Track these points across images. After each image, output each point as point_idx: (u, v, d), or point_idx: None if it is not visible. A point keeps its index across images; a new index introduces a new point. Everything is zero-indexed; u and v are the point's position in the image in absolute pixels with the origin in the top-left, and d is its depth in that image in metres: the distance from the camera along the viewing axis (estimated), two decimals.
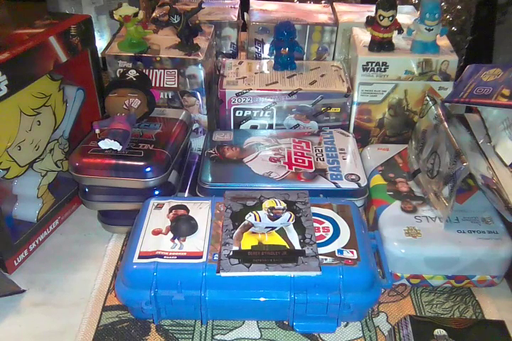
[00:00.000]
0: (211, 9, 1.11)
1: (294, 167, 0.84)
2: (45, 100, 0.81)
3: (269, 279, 0.64)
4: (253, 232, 0.69)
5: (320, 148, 0.89)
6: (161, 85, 0.93)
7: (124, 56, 0.91)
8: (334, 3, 1.14)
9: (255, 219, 0.70)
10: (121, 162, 0.77)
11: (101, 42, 1.22)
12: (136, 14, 0.89)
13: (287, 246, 0.66)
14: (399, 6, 0.89)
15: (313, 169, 0.84)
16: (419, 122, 0.87)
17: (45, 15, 0.83)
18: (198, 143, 0.97)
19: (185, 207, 0.73)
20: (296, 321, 0.68)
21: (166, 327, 0.70)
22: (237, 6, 1.15)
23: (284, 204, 0.72)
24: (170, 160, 0.80)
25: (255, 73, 0.98)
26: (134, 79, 0.83)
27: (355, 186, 0.81)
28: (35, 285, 0.77)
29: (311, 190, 0.77)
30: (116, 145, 0.75)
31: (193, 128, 0.95)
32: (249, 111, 0.95)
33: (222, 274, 0.64)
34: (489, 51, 1.60)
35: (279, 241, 0.67)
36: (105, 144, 0.75)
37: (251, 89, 0.93)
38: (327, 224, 0.71)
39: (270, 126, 0.96)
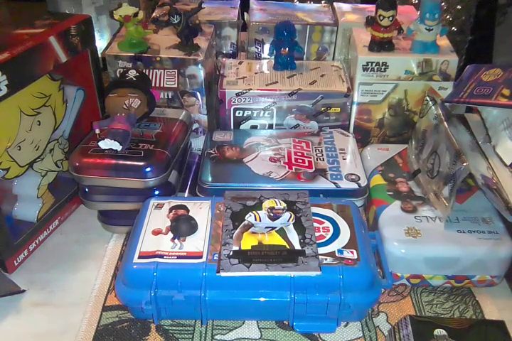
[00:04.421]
0: (211, 9, 1.11)
1: (294, 167, 0.84)
2: (45, 100, 0.81)
3: (269, 279, 0.64)
4: (253, 232, 0.69)
5: (320, 148, 0.89)
6: (161, 85, 0.92)
7: (124, 56, 0.91)
8: (334, 3, 1.14)
9: (255, 219, 0.70)
10: (121, 162, 0.77)
11: (101, 42, 1.22)
12: (136, 14, 0.89)
13: (287, 246, 0.66)
14: None
15: (313, 169, 0.84)
16: (419, 122, 0.87)
17: (45, 15, 0.83)
18: (198, 143, 0.97)
19: (185, 207, 0.73)
20: (296, 321, 0.68)
21: (166, 327, 0.70)
22: (237, 6, 1.15)
23: (284, 204, 0.72)
24: (170, 160, 0.80)
25: (255, 73, 0.98)
26: (134, 79, 0.83)
27: (355, 186, 0.81)
28: (35, 285, 0.77)
29: (311, 190, 0.77)
30: (116, 145, 0.75)
31: (193, 128, 0.95)
32: (249, 111, 0.95)
33: (222, 274, 0.64)
34: (489, 51, 1.60)
35: (279, 241, 0.67)
36: (105, 144, 0.75)
37: (251, 89, 0.92)
38: (327, 224, 0.71)
39: (270, 126, 0.96)
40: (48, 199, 0.85)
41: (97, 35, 1.13)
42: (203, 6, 0.93)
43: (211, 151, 0.89)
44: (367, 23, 0.92)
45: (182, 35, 0.91)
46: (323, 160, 0.86)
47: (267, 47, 1.07)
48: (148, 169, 0.77)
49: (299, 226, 0.69)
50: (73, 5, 1.21)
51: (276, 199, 0.73)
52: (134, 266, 0.65)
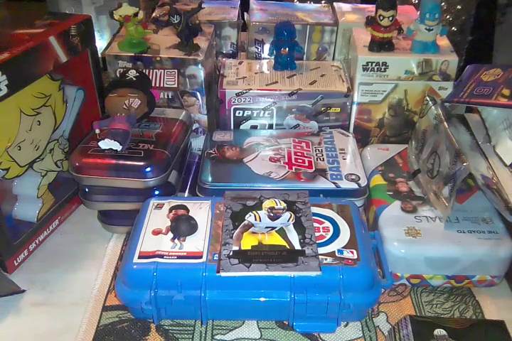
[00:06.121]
0: (211, 9, 1.11)
1: (294, 167, 0.84)
2: (45, 100, 0.81)
3: (269, 279, 0.64)
4: (253, 232, 0.69)
5: (320, 148, 0.89)
6: (161, 85, 0.92)
7: (124, 56, 0.91)
8: (334, 3, 1.14)
9: (255, 219, 0.70)
10: (121, 162, 0.77)
11: (101, 42, 1.22)
12: (136, 14, 0.89)
13: (287, 246, 0.66)
14: None
15: (313, 169, 0.84)
16: (419, 122, 0.87)
17: (45, 15, 0.83)
18: (198, 143, 0.97)
19: (185, 207, 0.73)
20: (296, 321, 0.68)
21: (166, 327, 0.70)
22: (237, 6, 1.15)
23: (284, 204, 0.72)
24: (170, 160, 0.80)
25: (255, 73, 0.98)
26: (134, 79, 0.83)
27: (355, 186, 0.81)
28: (35, 285, 0.77)
29: (311, 190, 0.77)
30: (116, 145, 0.75)
31: (193, 128, 0.95)
32: (249, 111, 0.95)
33: (222, 274, 0.64)
34: (489, 51, 1.60)
35: (279, 241, 0.67)
36: (105, 144, 0.75)
37: (251, 89, 0.93)
38: (327, 224, 0.71)
39: (270, 126, 0.96)
40: (48, 199, 0.85)
41: (97, 35, 1.13)
42: (203, 6, 0.93)
43: (211, 151, 0.89)
44: (367, 23, 0.92)
45: (182, 35, 0.91)
46: (323, 160, 0.86)
47: (267, 47, 1.07)
48: (148, 169, 0.77)
49: (299, 226, 0.69)
50: (73, 5, 1.21)
51: (276, 199, 0.73)
52: (134, 266, 0.65)
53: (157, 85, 0.92)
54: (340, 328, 0.70)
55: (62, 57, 0.79)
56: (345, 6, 1.13)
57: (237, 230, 0.69)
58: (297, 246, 0.66)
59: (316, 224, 0.70)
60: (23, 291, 0.75)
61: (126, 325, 0.70)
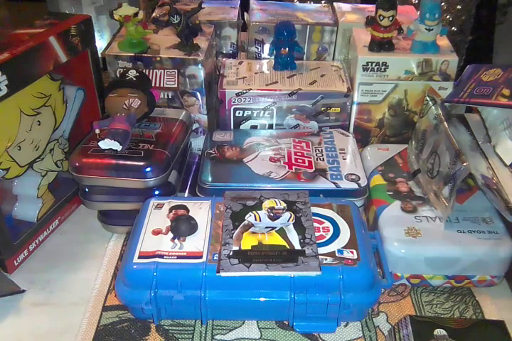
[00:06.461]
0: (211, 9, 1.11)
1: (294, 167, 0.84)
2: (45, 100, 0.81)
3: (269, 279, 0.64)
4: (253, 232, 0.69)
5: (320, 148, 0.89)
6: (161, 85, 0.93)
7: (124, 56, 0.91)
8: (334, 3, 1.14)
9: (255, 219, 0.70)
10: (121, 162, 0.77)
11: (101, 42, 1.22)
12: (136, 14, 0.89)
13: (287, 246, 0.66)
14: None
15: (313, 169, 0.84)
16: (419, 122, 0.87)
17: (45, 15, 0.83)
18: (198, 143, 0.97)
19: (185, 207, 0.73)
20: (296, 321, 0.68)
21: (166, 327, 0.70)
22: (237, 6, 1.15)
23: (284, 204, 0.72)
24: (170, 160, 0.80)
25: (255, 73, 0.98)
26: (134, 79, 0.83)
27: (355, 186, 0.81)
28: (35, 285, 0.77)
29: (311, 190, 0.77)
30: (116, 145, 0.75)
31: (193, 128, 0.95)
32: (249, 111, 0.95)
33: (222, 274, 0.64)
34: (489, 51, 1.60)
35: (279, 241, 0.67)
36: (105, 144, 0.75)
37: (251, 89, 0.93)
38: (327, 224, 0.71)
39: (270, 126, 0.96)
40: (48, 199, 0.85)
41: (97, 35, 1.13)
42: (203, 6, 0.93)
43: (211, 151, 0.89)
44: (367, 23, 0.92)
45: (182, 35, 0.91)
46: (323, 160, 0.86)
47: (267, 47, 1.07)
48: (148, 169, 0.77)
49: (299, 226, 0.69)
50: (73, 5, 1.21)
51: (276, 199, 0.73)
52: (134, 266, 0.65)
53: (157, 85, 0.92)
54: (340, 328, 0.70)
55: (62, 57, 0.79)
56: (345, 6, 1.13)
57: (237, 230, 0.69)
58: (297, 246, 0.66)
59: (316, 224, 0.70)
60: (23, 291, 0.75)
61: (126, 325, 0.70)
